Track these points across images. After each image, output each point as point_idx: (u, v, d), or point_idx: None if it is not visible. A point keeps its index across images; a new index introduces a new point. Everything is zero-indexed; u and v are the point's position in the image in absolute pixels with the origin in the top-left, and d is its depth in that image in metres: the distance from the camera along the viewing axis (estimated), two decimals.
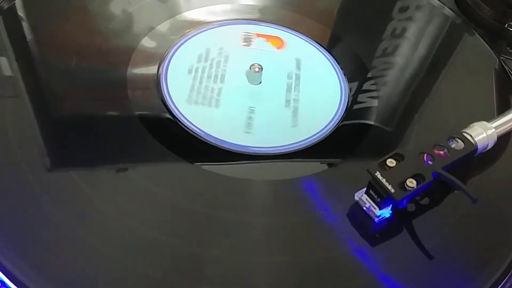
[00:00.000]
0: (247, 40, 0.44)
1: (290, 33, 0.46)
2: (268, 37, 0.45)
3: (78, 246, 0.30)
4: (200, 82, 0.40)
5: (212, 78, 0.41)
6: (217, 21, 0.46)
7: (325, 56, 0.45)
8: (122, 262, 0.29)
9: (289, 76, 0.42)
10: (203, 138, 0.37)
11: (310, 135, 0.38)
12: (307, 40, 0.46)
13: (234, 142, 0.37)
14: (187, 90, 0.39)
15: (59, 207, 0.31)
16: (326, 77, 0.43)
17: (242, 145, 0.37)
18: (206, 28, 0.45)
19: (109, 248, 0.30)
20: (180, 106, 0.38)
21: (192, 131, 0.37)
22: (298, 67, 0.43)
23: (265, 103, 0.40)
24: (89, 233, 0.30)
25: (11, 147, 0.34)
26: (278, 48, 0.45)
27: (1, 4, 0.42)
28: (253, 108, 0.39)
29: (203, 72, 0.41)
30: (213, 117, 0.38)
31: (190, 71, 0.41)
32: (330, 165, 0.37)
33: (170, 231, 0.31)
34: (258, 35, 0.45)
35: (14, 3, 0.43)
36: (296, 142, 0.38)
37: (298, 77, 0.43)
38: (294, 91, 0.41)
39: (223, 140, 0.37)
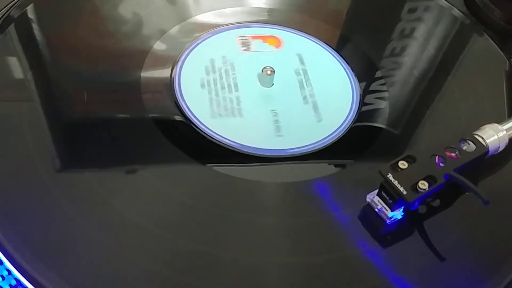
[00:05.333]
0: (246, 44, 0.45)
1: (284, 30, 0.47)
2: (264, 38, 0.46)
3: (92, 245, 0.30)
4: (217, 95, 0.40)
5: (226, 88, 0.41)
6: (217, 26, 0.46)
7: (323, 47, 0.46)
8: (135, 262, 0.30)
9: (297, 73, 0.43)
10: (237, 148, 0.37)
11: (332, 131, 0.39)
12: (302, 35, 0.46)
13: (268, 147, 0.37)
14: (207, 105, 0.39)
15: (74, 208, 0.31)
16: (331, 67, 0.44)
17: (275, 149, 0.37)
18: (202, 39, 0.45)
19: (123, 248, 0.30)
20: (206, 122, 0.38)
21: (225, 144, 0.37)
22: (302, 62, 0.44)
23: (284, 103, 0.40)
24: (103, 233, 0.31)
25: (26, 150, 0.34)
26: (276, 47, 0.45)
27: (12, 12, 0.42)
28: (275, 111, 0.40)
29: (215, 84, 0.41)
30: (240, 126, 0.38)
31: (202, 86, 0.41)
32: (341, 166, 0.37)
33: (186, 232, 0.32)
34: (254, 37, 0.45)
35: (26, 10, 0.43)
36: (310, 144, 0.38)
37: (305, 72, 0.43)
38: (307, 86, 0.42)
39: (256, 148, 0.37)
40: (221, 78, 0.41)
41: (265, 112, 0.40)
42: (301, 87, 0.42)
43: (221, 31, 0.46)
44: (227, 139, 0.37)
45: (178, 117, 0.38)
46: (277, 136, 0.38)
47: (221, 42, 0.45)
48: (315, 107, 0.40)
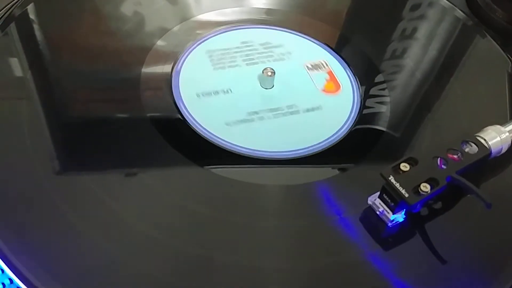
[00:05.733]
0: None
1: (282, 31, 0.46)
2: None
3: (89, 247, 0.30)
4: (227, 101, 0.40)
5: (228, 90, 0.40)
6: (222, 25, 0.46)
7: (321, 47, 0.45)
8: (132, 264, 0.30)
9: (296, 73, 0.43)
10: (236, 150, 0.37)
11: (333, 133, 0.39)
12: (299, 35, 0.46)
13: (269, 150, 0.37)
14: (221, 113, 0.39)
15: (70, 209, 0.31)
16: (330, 68, 0.44)
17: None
18: (205, 37, 0.44)
19: (120, 250, 0.30)
20: (223, 133, 0.37)
21: (224, 146, 0.37)
22: (300, 62, 0.44)
23: (285, 104, 0.40)
24: (100, 235, 0.30)
25: (24, 149, 0.34)
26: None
27: (13, 11, 0.42)
28: (276, 112, 0.40)
29: (226, 93, 0.40)
30: (259, 130, 0.38)
31: (209, 94, 0.40)
32: (342, 169, 0.37)
33: (185, 236, 0.31)
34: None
35: (27, 9, 0.43)
36: (311, 146, 0.38)
37: (304, 73, 0.43)
38: (307, 86, 0.42)
39: (256, 150, 0.37)
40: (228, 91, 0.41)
41: (265, 113, 0.39)
42: (302, 87, 0.42)
43: (229, 30, 0.45)
44: (228, 142, 0.37)
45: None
46: (278, 138, 0.38)
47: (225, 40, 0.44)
48: (317, 108, 0.40)
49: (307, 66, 0.44)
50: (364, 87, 0.43)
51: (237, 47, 0.44)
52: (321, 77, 0.43)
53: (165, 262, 0.30)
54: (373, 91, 0.43)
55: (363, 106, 0.41)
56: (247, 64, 0.43)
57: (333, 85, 0.43)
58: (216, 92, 0.40)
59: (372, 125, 0.40)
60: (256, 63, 0.43)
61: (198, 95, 0.39)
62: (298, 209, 0.34)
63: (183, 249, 0.31)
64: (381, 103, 0.42)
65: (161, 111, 0.39)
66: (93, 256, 0.30)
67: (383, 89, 0.43)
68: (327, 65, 0.44)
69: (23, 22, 0.42)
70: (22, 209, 0.31)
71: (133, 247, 0.30)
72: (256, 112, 0.39)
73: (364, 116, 0.40)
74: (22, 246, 0.29)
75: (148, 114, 0.38)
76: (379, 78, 0.43)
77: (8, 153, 0.34)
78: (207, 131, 0.37)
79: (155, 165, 0.35)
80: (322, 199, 0.34)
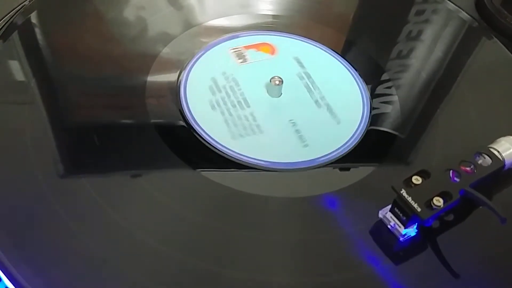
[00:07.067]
0: (241, 56, 0.43)
1: (275, 35, 0.46)
2: (257, 46, 0.44)
3: (87, 253, 0.30)
4: (230, 114, 0.39)
5: (237, 105, 0.39)
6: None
7: (322, 49, 0.45)
8: (133, 275, 0.29)
9: (300, 77, 0.42)
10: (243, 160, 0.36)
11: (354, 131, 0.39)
12: (297, 38, 0.46)
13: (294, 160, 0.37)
14: (224, 127, 0.38)
15: (71, 214, 0.31)
16: (333, 69, 0.44)
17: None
18: (197, 56, 0.43)
19: (118, 257, 0.30)
20: (229, 145, 0.37)
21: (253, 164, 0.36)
22: (302, 65, 0.43)
23: (299, 111, 0.40)
24: (99, 241, 0.30)
25: (26, 153, 0.34)
26: (271, 54, 0.44)
27: (15, 19, 0.42)
28: (293, 121, 0.39)
29: (225, 104, 0.39)
30: (264, 143, 0.37)
31: (213, 107, 0.39)
32: (352, 181, 0.36)
33: (190, 249, 0.31)
34: (246, 47, 0.44)
35: (30, 17, 0.42)
36: (322, 156, 0.37)
37: (308, 76, 0.42)
38: (315, 89, 0.41)
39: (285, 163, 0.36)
40: (228, 96, 0.40)
41: (284, 123, 0.39)
42: (309, 91, 0.41)
43: (214, 45, 0.44)
44: (248, 157, 0.36)
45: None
46: (303, 147, 0.37)
47: (216, 57, 0.43)
48: (329, 109, 0.40)
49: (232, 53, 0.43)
50: (370, 86, 0.42)
51: (225, 68, 0.43)
52: (254, 53, 0.43)
53: (167, 276, 0.30)
54: (378, 91, 0.42)
55: (371, 106, 0.41)
56: (245, 80, 0.42)
57: (267, 47, 0.44)
58: (229, 109, 0.39)
59: (382, 127, 0.40)
60: (252, 76, 0.42)
61: (226, 130, 0.38)
62: (308, 221, 0.33)
63: (189, 264, 0.30)
64: (387, 102, 0.41)
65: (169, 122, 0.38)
66: (92, 266, 0.29)
67: (389, 87, 0.42)
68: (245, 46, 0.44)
69: (27, 29, 0.42)
70: (22, 216, 0.31)
71: (136, 259, 0.30)
72: (287, 124, 0.39)
73: (374, 118, 0.40)
74: (20, 254, 0.29)
75: (153, 121, 0.37)
76: (386, 83, 0.43)
77: (8, 158, 0.34)
78: (220, 144, 0.37)
79: (164, 177, 0.35)
80: (331, 211, 0.33)
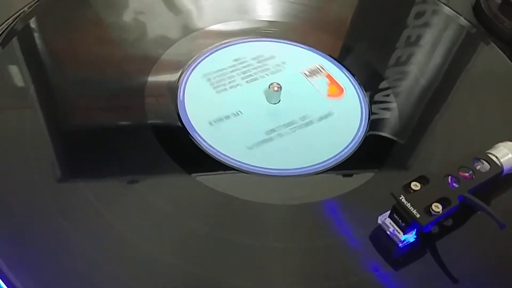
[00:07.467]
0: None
1: (272, 41, 0.46)
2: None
3: (84, 258, 0.30)
4: (241, 124, 0.39)
5: (238, 113, 0.39)
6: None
7: (315, 53, 0.45)
8: (126, 276, 0.29)
9: (298, 83, 0.42)
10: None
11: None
12: (291, 43, 0.46)
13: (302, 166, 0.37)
14: (238, 137, 0.38)
15: (69, 218, 0.31)
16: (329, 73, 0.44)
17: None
18: (203, 56, 0.43)
19: (114, 263, 0.30)
20: (244, 158, 0.36)
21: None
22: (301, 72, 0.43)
23: (297, 117, 0.40)
24: (96, 246, 0.30)
25: (25, 157, 0.34)
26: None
27: (16, 25, 0.42)
28: (292, 126, 0.39)
29: (236, 115, 0.39)
30: (283, 149, 0.37)
31: (223, 118, 0.39)
32: (351, 187, 0.36)
33: (187, 256, 0.31)
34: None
35: (29, 23, 0.42)
36: (320, 162, 0.37)
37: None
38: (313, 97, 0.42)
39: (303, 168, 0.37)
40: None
41: (282, 129, 0.39)
42: (307, 96, 0.41)
43: (219, 48, 0.44)
44: (252, 165, 0.36)
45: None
46: (303, 152, 0.37)
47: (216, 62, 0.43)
48: (328, 115, 0.40)
49: (304, 74, 0.43)
50: (368, 93, 0.42)
51: (232, 66, 0.43)
52: (322, 82, 0.43)
53: (163, 280, 0.29)
54: (377, 97, 0.42)
55: (370, 112, 0.41)
56: (247, 82, 0.42)
57: (336, 88, 0.42)
58: (227, 117, 0.39)
59: (381, 132, 0.40)
60: (256, 78, 0.42)
61: (211, 123, 0.38)
62: (306, 228, 0.33)
63: (182, 266, 0.30)
64: (386, 109, 0.41)
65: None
66: (87, 267, 0.29)
67: (387, 95, 0.42)
68: (323, 68, 0.43)
69: (26, 34, 0.42)
70: (22, 219, 0.31)
71: (136, 266, 0.30)
72: (273, 130, 0.39)
73: (373, 123, 0.40)
74: (17, 258, 0.29)
75: (150, 122, 0.37)
76: (385, 90, 0.43)
77: (7, 163, 0.34)
78: (228, 157, 0.36)
79: (159, 180, 0.35)
80: (330, 218, 0.34)
